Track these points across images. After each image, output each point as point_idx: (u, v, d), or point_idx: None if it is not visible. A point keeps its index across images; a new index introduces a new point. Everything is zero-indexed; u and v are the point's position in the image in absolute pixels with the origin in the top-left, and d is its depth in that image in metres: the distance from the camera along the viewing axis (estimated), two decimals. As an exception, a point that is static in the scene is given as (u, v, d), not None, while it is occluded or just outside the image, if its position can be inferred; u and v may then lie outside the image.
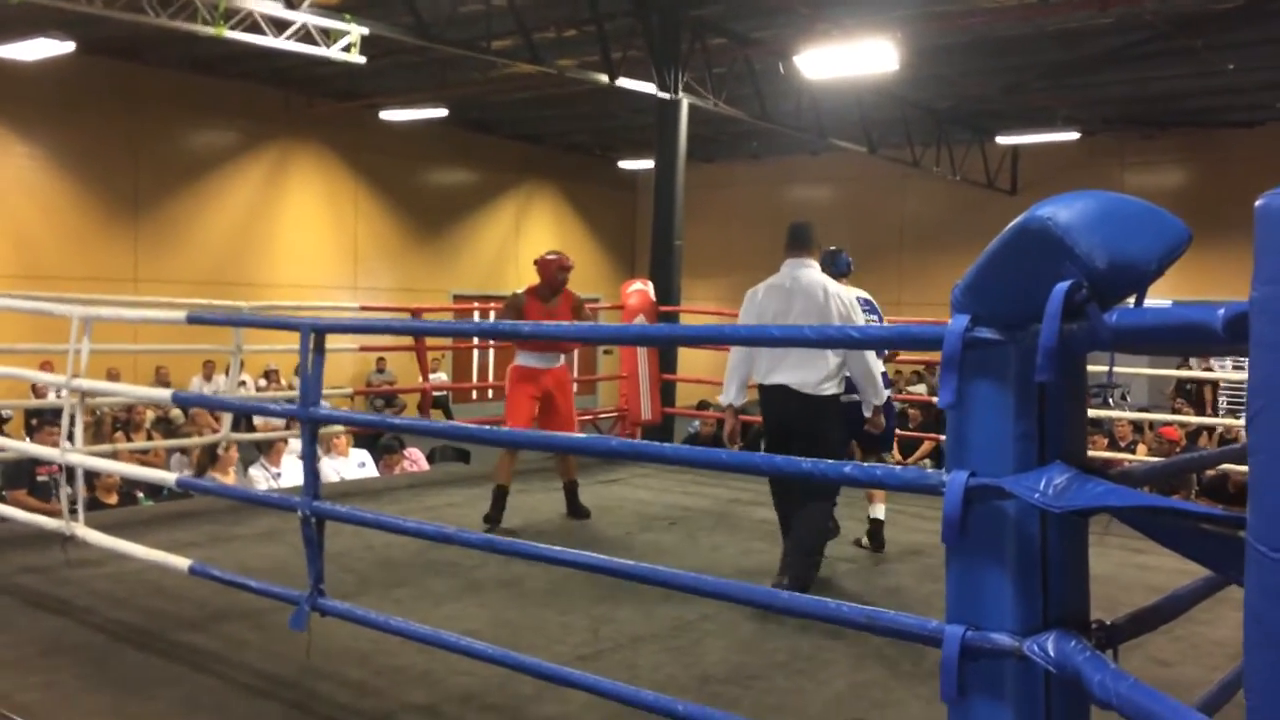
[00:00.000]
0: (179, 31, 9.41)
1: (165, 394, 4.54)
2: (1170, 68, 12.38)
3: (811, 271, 4.75)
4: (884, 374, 5.45)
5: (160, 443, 8.26)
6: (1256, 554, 1.26)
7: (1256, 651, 1.27)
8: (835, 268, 5.45)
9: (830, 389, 4.64)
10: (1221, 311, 1.45)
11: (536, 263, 6.06)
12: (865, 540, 5.54)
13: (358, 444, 8.64)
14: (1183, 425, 10.21)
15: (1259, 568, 1.26)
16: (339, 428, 7.81)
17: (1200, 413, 12.60)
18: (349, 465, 8.23)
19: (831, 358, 4.62)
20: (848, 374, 4.75)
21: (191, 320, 3.98)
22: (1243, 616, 1.32)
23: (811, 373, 4.61)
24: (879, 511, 5.53)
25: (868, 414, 4.92)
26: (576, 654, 3.81)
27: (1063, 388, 1.86)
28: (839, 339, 2.27)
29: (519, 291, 6.01)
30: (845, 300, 4.71)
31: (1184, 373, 11.23)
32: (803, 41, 10.75)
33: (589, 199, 20.46)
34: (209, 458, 7.47)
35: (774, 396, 4.68)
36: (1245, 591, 1.30)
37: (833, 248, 5.62)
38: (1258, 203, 1.29)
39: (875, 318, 5.57)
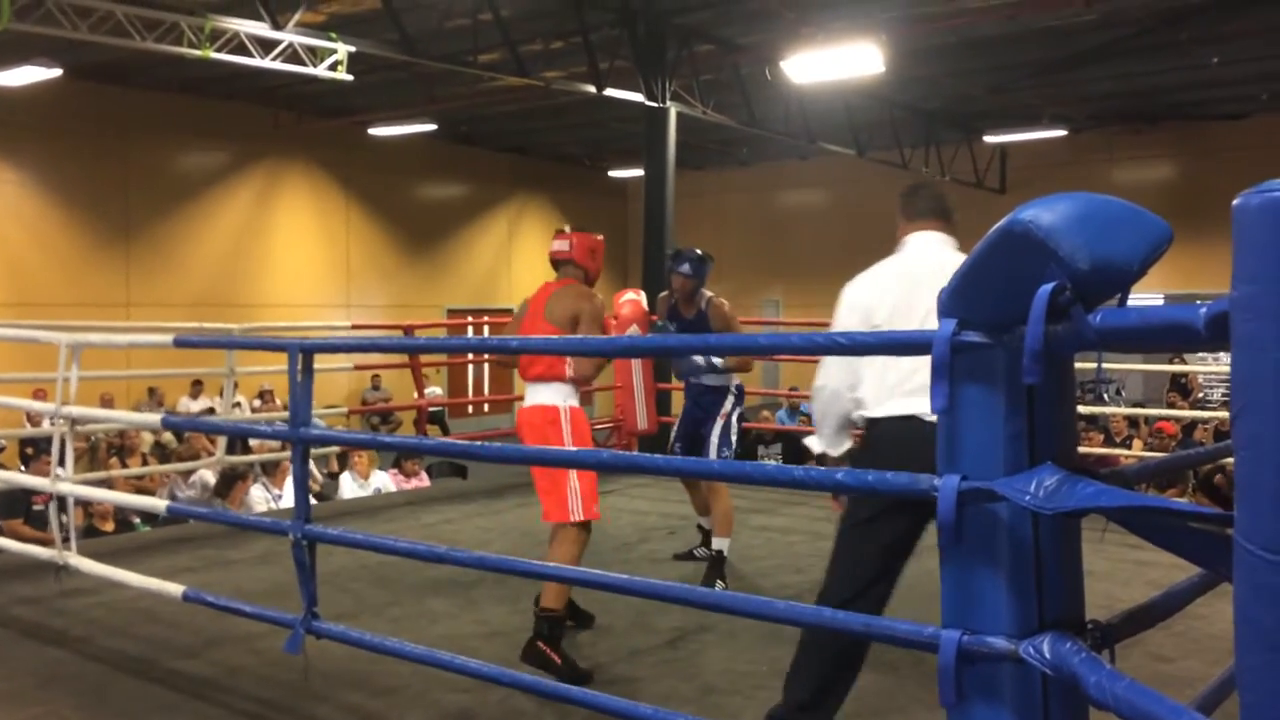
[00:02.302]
0: (166, 54, 9.42)
1: (155, 419, 4.53)
2: (1155, 62, 12.41)
3: (951, 253, 3.02)
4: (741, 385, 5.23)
5: (155, 468, 8.24)
6: (1244, 552, 1.26)
7: (1248, 650, 1.26)
8: (700, 275, 5.10)
9: None
10: (1203, 310, 1.44)
11: (581, 243, 4.06)
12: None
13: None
14: (1178, 419, 10.22)
15: (1248, 566, 1.25)
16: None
17: (1185, 398, 12.63)
18: (367, 490, 8.20)
19: None
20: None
21: (178, 344, 3.96)
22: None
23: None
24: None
25: None
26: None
27: (1050, 389, 1.86)
28: (826, 346, 2.27)
29: (595, 293, 4.05)
30: None
31: (1177, 367, 11.23)
32: (788, 46, 10.77)
33: (580, 209, 20.47)
34: (225, 483, 7.42)
35: (902, 437, 2.87)
36: (1235, 590, 1.29)
37: (699, 251, 5.19)
38: (1235, 201, 1.28)
39: None
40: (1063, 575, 1.90)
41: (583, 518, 3.85)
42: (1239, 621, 1.28)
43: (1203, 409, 12.06)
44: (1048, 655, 1.79)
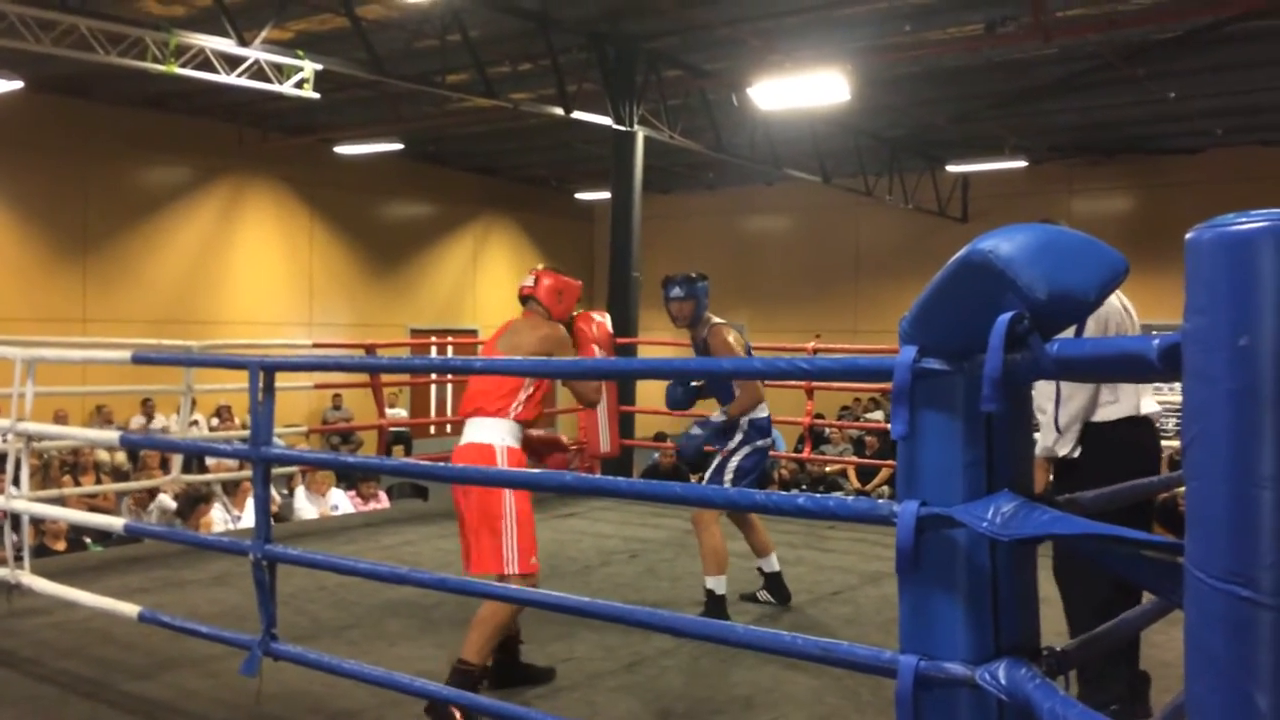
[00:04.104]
0: (130, 69, 9.34)
1: (113, 436, 4.47)
2: (1114, 96, 12.64)
3: None
4: (764, 419, 4.88)
5: (109, 486, 8.11)
6: (1195, 580, 1.28)
7: (1197, 676, 1.28)
8: (701, 302, 4.87)
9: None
10: (1156, 342, 1.47)
11: (549, 284, 3.99)
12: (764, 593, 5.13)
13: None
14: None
15: (1198, 594, 1.28)
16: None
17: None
18: (324, 506, 8.13)
19: None
20: None
21: (137, 360, 3.91)
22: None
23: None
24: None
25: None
26: (535, 693, 3.77)
27: (1008, 417, 1.88)
28: (788, 371, 2.28)
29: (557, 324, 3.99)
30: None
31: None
32: (756, 73, 10.87)
33: (547, 231, 20.49)
34: (188, 505, 7.30)
35: (1147, 437, 3.49)
36: (1185, 617, 1.31)
37: (690, 273, 4.94)
38: (1188, 236, 1.31)
39: None
40: (1019, 601, 1.92)
41: (518, 571, 3.52)
42: (1189, 648, 1.30)
43: (1158, 437, 12.21)
44: (1003, 681, 1.80)
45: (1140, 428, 3.45)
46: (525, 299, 4.02)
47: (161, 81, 10.74)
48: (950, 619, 1.91)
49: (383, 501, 8.94)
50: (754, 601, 5.12)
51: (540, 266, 4.12)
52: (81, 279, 14.46)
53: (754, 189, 18.95)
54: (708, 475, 4.88)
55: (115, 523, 4.29)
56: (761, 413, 4.89)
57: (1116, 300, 3.49)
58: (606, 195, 12.37)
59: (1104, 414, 3.41)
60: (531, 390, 3.69)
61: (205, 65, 9.41)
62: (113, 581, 5.15)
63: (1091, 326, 3.22)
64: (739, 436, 4.83)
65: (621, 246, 11.15)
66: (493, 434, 3.64)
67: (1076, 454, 3.42)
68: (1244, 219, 1.26)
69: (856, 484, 10.92)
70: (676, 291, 4.84)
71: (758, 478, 4.97)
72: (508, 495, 3.51)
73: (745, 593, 5.17)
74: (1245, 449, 1.23)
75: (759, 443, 4.86)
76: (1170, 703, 2.35)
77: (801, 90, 10.63)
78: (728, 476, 4.79)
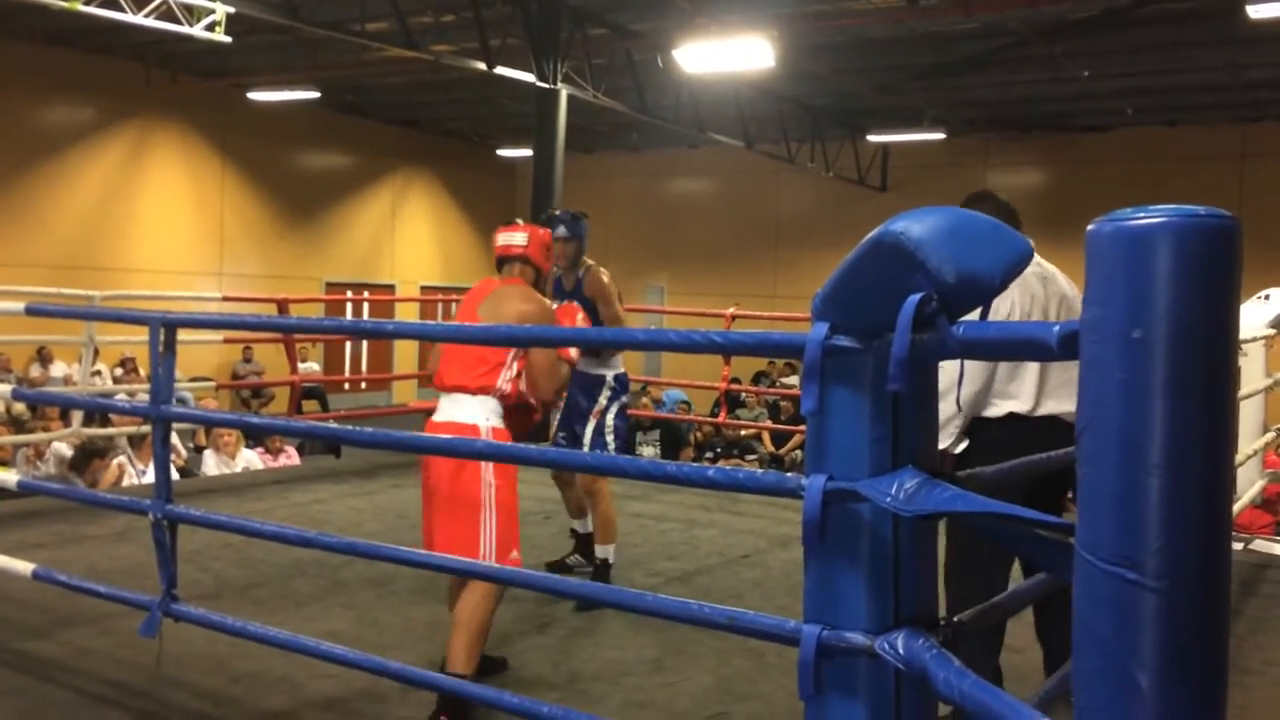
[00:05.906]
0: (30, 4, 8.92)
1: (5, 390, 4.32)
2: (1031, 72, 12.88)
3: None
4: (624, 374, 4.84)
5: (4, 438, 7.82)
6: (1084, 562, 1.33)
7: (1083, 655, 1.33)
8: (584, 244, 4.82)
9: None
10: (1056, 329, 1.52)
11: (536, 238, 3.67)
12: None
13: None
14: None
15: (1085, 575, 1.32)
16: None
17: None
18: (234, 469, 7.94)
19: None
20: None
21: (30, 312, 3.77)
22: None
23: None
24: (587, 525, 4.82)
25: None
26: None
27: (914, 394, 1.92)
28: (703, 345, 2.29)
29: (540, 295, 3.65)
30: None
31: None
32: (682, 36, 10.82)
33: (467, 186, 20.20)
34: (83, 458, 7.07)
35: (1040, 437, 3.01)
36: (1074, 596, 1.36)
37: (571, 212, 4.87)
38: (1089, 228, 1.35)
39: None
40: (919, 574, 1.97)
41: (496, 564, 3.16)
42: (1076, 626, 1.35)
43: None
44: (901, 651, 1.85)
45: (1027, 426, 3.17)
46: (509, 259, 3.62)
47: (66, 17, 10.28)
48: (853, 590, 1.96)
49: (293, 457, 8.79)
50: (564, 569, 4.91)
51: (518, 220, 3.81)
52: (-23, 221, 13.87)
53: (677, 152, 18.93)
54: (588, 437, 4.75)
55: (9, 479, 4.14)
56: (622, 368, 4.86)
57: (1038, 269, 3.26)
58: (529, 153, 12.23)
59: (993, 410, 3.23)
60: (517, 366, 3.34)
61: (110, 4, 9.03)
62: (7, 536, 5.00)
63: (1015, 296, 3.12)
64: (606, 394, 4.76)
65: (543, 205, 11.05)
66: (476, 413, 3.28)
67: (959, 449, 3.25)
68: (1141, 214, 1.29)
69: (771, 448, 11.07)
70: (563, 231, 4.68)
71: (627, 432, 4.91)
72: (488, 482, 3.21)
73: (552, 560, 5.02)
74: (1135, 437, 1.27)
75: (624, 399, 4.83)
76: (1059, 671, 2.44)
77: (727, 55, 10.63)
78: (610, 440, 4.74)
